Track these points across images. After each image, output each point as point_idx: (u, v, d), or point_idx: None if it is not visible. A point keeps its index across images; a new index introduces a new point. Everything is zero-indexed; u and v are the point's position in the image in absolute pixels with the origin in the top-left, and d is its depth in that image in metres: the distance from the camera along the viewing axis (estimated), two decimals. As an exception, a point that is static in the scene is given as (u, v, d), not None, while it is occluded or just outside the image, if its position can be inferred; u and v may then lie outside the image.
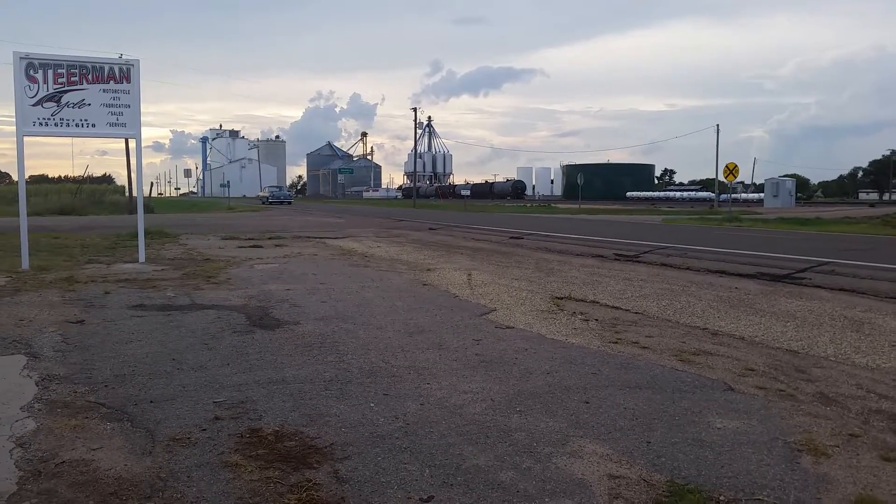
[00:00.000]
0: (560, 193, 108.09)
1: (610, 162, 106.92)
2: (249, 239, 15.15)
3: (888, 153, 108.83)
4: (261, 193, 70.69)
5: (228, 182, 62.46)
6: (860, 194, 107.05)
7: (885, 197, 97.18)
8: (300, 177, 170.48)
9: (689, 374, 4.36)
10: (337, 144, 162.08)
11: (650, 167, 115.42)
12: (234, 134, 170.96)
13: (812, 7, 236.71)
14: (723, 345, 5.24)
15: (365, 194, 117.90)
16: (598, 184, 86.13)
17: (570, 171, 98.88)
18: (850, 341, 5.34)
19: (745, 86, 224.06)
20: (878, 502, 2.57)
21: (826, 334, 5.58)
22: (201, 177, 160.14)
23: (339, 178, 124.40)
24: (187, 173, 77.72)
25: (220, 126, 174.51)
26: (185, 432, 3.25)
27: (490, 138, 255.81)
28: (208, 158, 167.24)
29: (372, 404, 3.68)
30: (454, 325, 5.88)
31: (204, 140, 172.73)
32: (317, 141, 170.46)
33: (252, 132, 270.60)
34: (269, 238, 15.66)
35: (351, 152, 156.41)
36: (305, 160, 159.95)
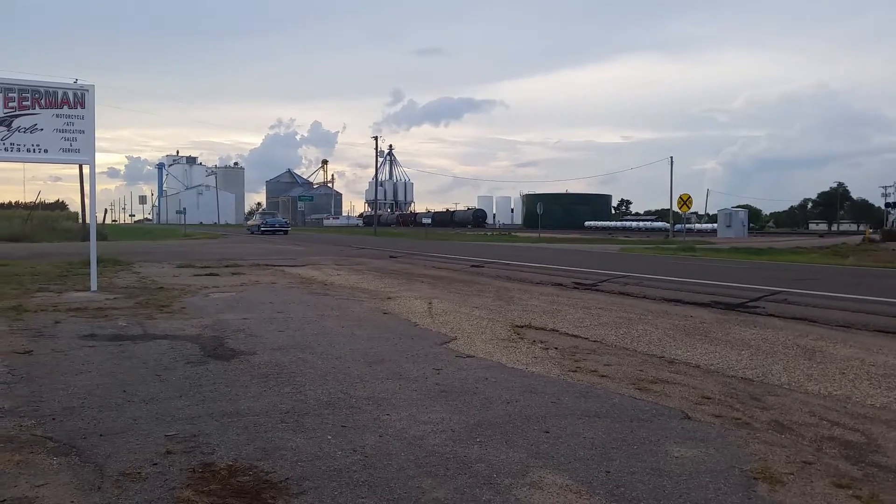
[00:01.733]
0: (520, 222, 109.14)
1: (568, 192, 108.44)
2: (205, 267, 14.88)
3: (836, 185, 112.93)
4: (250, 223, 58.07)
5: (185, 209, 61.22)
6: (810, 225, 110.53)
7: (834, 228, 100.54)
8: (259, 204, 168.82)
9: (647, 403, 4.39)
10: (297, 172, 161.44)
11: (607, 197, 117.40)
12: (191, 160, 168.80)
13: (760, 44, 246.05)
14: (679, 373, 5.31)
15: (325, 222, 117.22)
16: (557, 213, 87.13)
17: (530, 201, 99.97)
18: (803, 369, 5.45)
19: (697, 119, 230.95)
20: (832, 529, 2.61)
21: (779, 362, 5.69)
22: (157, 203, 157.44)
23: (299, 205, 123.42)
24: (143, 200, 76.56)
25: (178, 152, 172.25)
26: (135, 467, 3.14)
27: (451, 167, 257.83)
28: (164, 185, 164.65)
29: (329, 437, 3.61)
30: (414, 354, 5.84)
31: (160, 166, 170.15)
32: (277, 168, 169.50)
33: (210, 159, 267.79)
34: (226, 266, 15.40)
35: (311, 180, 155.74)
36: (265, 187, 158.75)
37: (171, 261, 17.28)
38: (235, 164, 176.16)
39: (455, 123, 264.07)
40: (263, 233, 47.18)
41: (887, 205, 68.28)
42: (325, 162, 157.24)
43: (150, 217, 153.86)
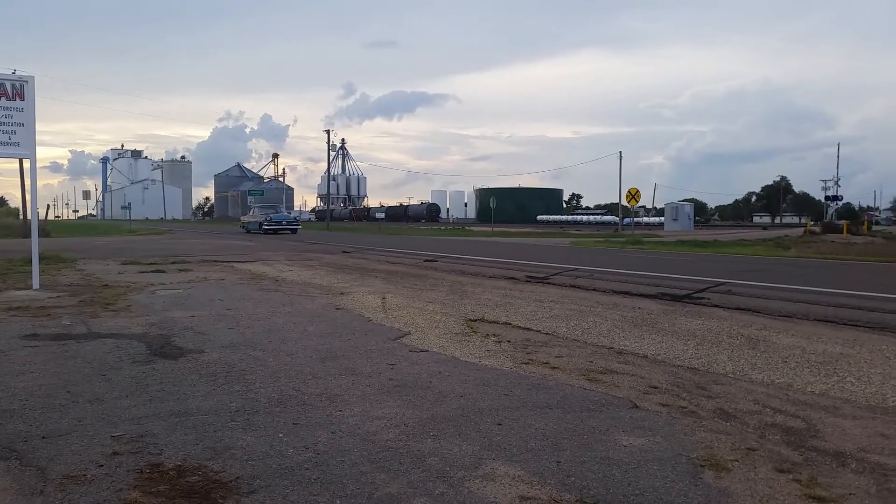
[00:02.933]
0: (474, 216, 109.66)
1: (521, 186, 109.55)
2: (152, 263, 14.53)
3: (778, 179, 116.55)
4: (246, 219, 43.97)
5: (130, 204, 59.56)
6: (754, 218, 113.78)
7: (777, 220, 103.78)
8: (207, 198, 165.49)
9: (597, 393, 4.47)
10: (247, 166, 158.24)
11: (559, 192, 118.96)
12: (136, 154, 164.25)
13: (706, 40, 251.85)
14: (628, 363, 5.42)
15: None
16: (510, 207, 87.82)
17: (483, 195, 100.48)
18: (747, 358, 5.62)
19: (645, 114, 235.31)
20: (773, 512, 2.70)
21: (724, 352, 5.86)
22: (101, 199, 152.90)
23: (248, 200, 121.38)
24: (86, 195, 74.09)
25: (122, 146, 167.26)
26: (80, 469, 3.05)
27: (404, 161, 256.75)
28: (109, 180, 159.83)
29: (281, 434, 3.57)
30: (368, 349, 5.82)
31: (105, 160, 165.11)
32: (225, 162, 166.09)
33: (156, 152, 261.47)
34: (174, 262, 15.07)
35: (262, 174, 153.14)
36: (213, 181, 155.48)
37: (117, 257, 16.83)
38: (182, 157, 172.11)
39: (408, 117, 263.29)
40: (266, 231, 37.19)
41: (827, 198, 70.83)
42: (275, 156, 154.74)
43: (94, 213, 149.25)
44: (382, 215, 66.76)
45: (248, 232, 39.70)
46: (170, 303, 8.55)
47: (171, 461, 3.19)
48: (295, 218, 41.28)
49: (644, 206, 75.54)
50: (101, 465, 3.11)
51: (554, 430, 3.68)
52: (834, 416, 4.05)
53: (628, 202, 39.61)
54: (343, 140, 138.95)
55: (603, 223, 75.47)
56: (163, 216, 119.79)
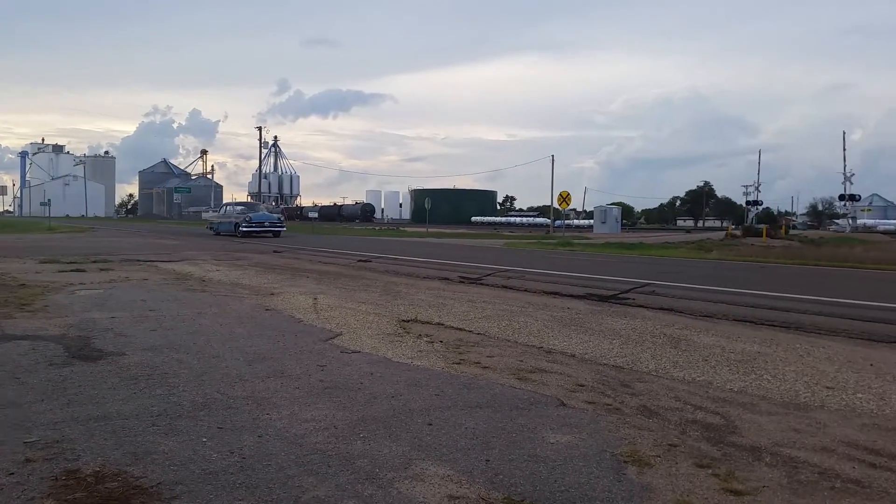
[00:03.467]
0: (408, 217, 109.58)
1: (456, 188, 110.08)
2: (72, 262, 13.92)
3: (702, 184, 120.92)
4: (214, 218, 38.10)
5: (49, 200, 56.68)
6: (678, 221, 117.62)
7: (700, 224, 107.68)
8: (131, 195, 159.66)
9: (526, 392, 4.53)
10: (174, 162, 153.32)
11: (493, 193, 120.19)
12: (57, 149, 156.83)
13: (637, 48, 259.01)
14: (556, 362, 5.52)
15: (204, 215, 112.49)
16: (445, 208, 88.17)
17: (419, 196, 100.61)
18: (669, 357, 5.81)
19: (578, 119, 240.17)
20: (692, 505, 2.80)
21: (648, 351, 6.03)
22: (19, 195, 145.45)
23: (175, 197, 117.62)
24: (3, 191, 70.11)
25: (43, 140, 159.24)
26: (-15, 480, 2.90)
27: (339, 160, 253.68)
28: (27, 175, 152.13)
29: (205, 439, 3.48)
30: (298, 351, 5.73)
31: (23, 155, 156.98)
32: (151, 158, 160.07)
33: (79, 147, 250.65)
34: (94, 262, 14.48)
35: (189, 170, 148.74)
36: (138, 178, 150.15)
37: (34, 256, 16.04)
38: (106, 153, 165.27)
39: (343, 116, 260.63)
40: (245, 234, 30.02)
41: (748, 203, 73.96)
42: (204, 152, 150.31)
43: (10, 209, 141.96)
44: (316, 215, 66.04)
45: (218, 234, 32.26)
46: (90, 303, 8.21)
47: (88, 467, 3.06)
48: (279, 218, 33.07)
49: (575, 209, 77.31)
50: (12, 474, 2.96)
51: (484, 429, 3.71)
52: (751, 413, 4.22)
53: (560, 205, 40.49)
54: (276, 137, 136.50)
55: (535, 225, 76.67)
56: (84, 213, 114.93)
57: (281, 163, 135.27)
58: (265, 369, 5.03)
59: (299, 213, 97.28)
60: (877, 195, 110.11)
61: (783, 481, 3.09)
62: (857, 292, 10.21)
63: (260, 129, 65.23)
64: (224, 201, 43.01)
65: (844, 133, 74.16)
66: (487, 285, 11.48)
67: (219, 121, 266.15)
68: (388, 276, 12.61)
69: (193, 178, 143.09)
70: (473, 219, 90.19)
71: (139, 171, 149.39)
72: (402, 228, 57.25)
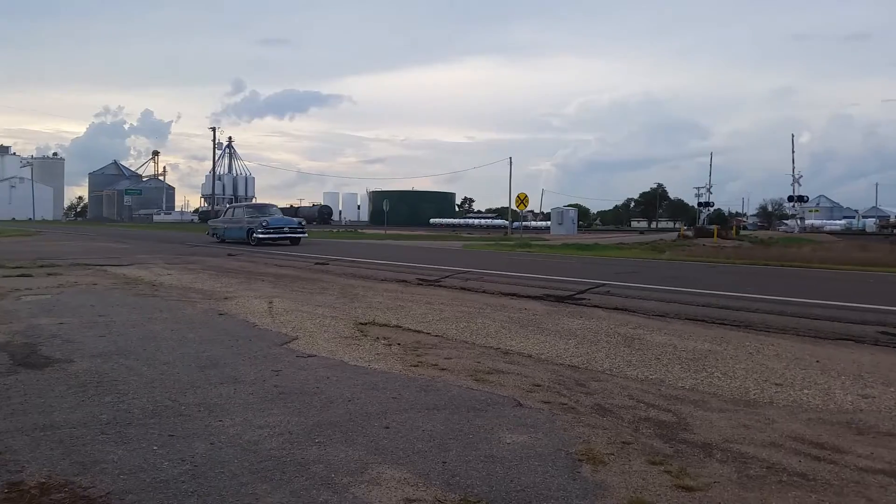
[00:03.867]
0: (367, 219, 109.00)
1: (415, 189, 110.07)
2: (18, 267, 13.47)
3: (655, 186, 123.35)
4: (219, 223, 29.96)
5: (-7, 203, 54.91)
6: (633, 222, 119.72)
7: (654, 225, 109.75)
8: (81, 198, 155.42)
9: (483, 393, 4.55)
10: (125, 163, 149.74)
11: (452, 195, 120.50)
12: (3, 150, 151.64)
13: (593, 53, 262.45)
14: (513, 363, 5.55)
15: (156, 217, 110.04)
16: (403, 210, 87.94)
17: (377, 198, 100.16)
18: (623, 356, 5.89)
19: (535, 122, 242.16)
20: (645, 503, 2.84)
21: (603, 350, 6.11)
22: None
23: (126, 199, 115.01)
24: (-59, 193, 67.42)
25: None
26: (-80, 496, 2.78)
27: (296, 162, 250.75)
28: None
29: (155, 447, 3.40)
30: (252, 356, 5.65)
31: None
32: (102, 159, 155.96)
33: (26, 148, 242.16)
34: (41, 266, 14.03)
35: (140, 172, 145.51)
36: (87, 180, 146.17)
37: (-26, 261, 15.46)
38: (55, 154, 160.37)
39: (300, 117, 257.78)
40: (261, 241, 24.87)
41: (700, 204, 75.66)
42: (156, 153, 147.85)
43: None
44: (271, 217, 64.99)
45: (223, 241, 27.26)
46: (36, 309, 7.95)
47: (33, 478, 2.96)
48: (300, 223, 27.52)
49: (532, 211, 78.05)
50: (-51, 489, 2.84)
51: (441, 432, 3.71)
52: (702, 410, 4.31)
53: (518, 206, 40.81)
54: (230, 138, 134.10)
55: (494, 226, 77.12)
56: (32, 217, 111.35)
57: (236, 164, 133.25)
58: (218, 375, 4.94)
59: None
60: (824, 196, 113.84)
61: (733, 476, 3.16)
62: (804, 291, 10.52)
63: (214, 129, 64.07)
64: (234, 203, 34.89)
65: (793, 136, 76.30)
66: (446, 287, 11.49)
67: (171, 121, 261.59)
68: (346, 279, 12.53)
69: (145, 179, 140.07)
70: (432, 220, 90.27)
71: (89, 173, 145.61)
72: (360, 230, 56.98)
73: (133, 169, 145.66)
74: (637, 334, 6.89)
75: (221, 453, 3.33)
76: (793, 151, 70.20)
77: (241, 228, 26.58)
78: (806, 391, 4.80)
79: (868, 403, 4.49)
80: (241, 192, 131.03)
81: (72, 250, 21.10)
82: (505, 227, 62.04)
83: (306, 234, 27.34)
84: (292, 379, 4.87)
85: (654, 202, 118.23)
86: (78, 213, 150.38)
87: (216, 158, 66.48)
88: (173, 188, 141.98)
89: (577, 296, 9.98)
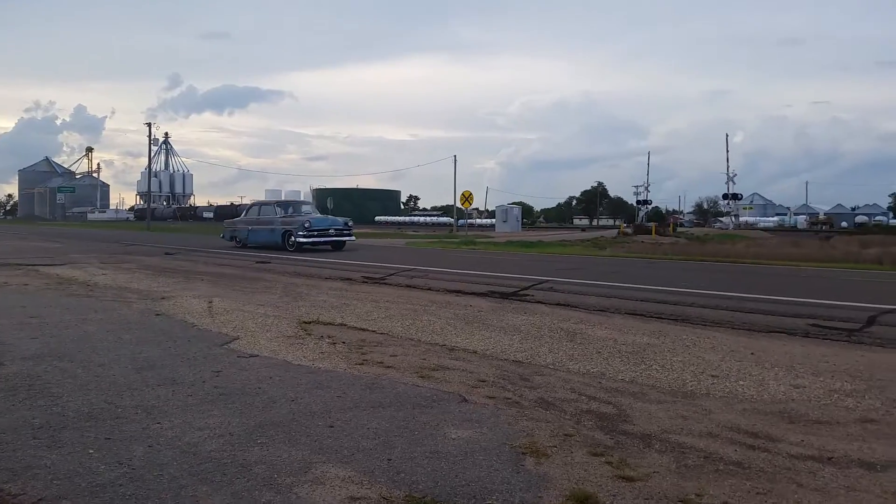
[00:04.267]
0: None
1: (359, 187, 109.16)
2: (-61, 268, 12.83)
3: (596, 185, 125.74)
4: (241, 224, 23.13)
5: (-87, 201, 52.05)
6: (574, 220, 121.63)
7: (595, 222, 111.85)
8: (10, 196, 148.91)
9: (429, 390, 4.56)
10: (57, 160, 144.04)
11: (397, 193, 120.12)
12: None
13: (536, 53, 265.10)
14: (459, 359, 5.58)
15: (90, 216, 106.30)
16: (348, 208, 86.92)
17: (321, 195, 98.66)
18: (566, 350, 5.99)
19: (479, 121, 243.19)
20: (587, 493, 2.89)
21: (546, 345, 6.20)
22: None
23: (58, 197, 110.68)
24: None
25: None
26: None
27: (237, 159, 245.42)
28: None
29: (91, 451, 3.29)
30: (191, 357, 5.52)
31: None
32: (32, 156, 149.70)
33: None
34: (-34, 266, 13.40)
35: (73, 169, 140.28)
36: (17, 177, 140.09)
37: None
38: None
39: (240, 113, 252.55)
40: (302, 246, 19.91)
41: (638, 202, 77.39)
42: (89, 150, 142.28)
43: None
44: (211, 215, 63.75)
45: (244, 246, 21.86)
46: (-41, 312, 7.59)
47: (-46, 490, 2.83)
48: (347, 223, 22.00)
49: (477, 209, 78.53)
50: None
51: (386, 429, 3.70)
52: (642, 402, 4.42)
53: (462, 204, 40.98)
54: (167, 134, 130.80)
55: (439, 224, 77.22)
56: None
57: (173, 160, 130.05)
58: (156, 377, 4.81)
59: (193, 214, 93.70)
60: (757, 194, 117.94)
61: (672, 466, 3.25)
62: (738, 286, 10.88)
63: (150, 125, 61.75)
64: (257, 200, 27.11)
65: (727, 136, 79.05)
66: (391, 285, 11.46)
67: (106, 117, 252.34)
68: (289, 278, 12.36)
69: (78, 176, 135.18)
70: (377, 218, 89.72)
71: (19, 170, 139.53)
72: (303, 229, 56.12)
73: (66, 166, 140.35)
74: (579, 329, 7.01)
75: (160, 456, 3.25)
76: (727, 151, 72.58)
77: (271, 231, 21.09)
78: (741, 382, 4.97)
79: (799, 393, 4.67)
80: (178, 189, 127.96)
81: (1, 250, 20.20)
82: (450, 225, 62.22)
83: (354, 238, 22.16)
84: (233, 379, 4.78)
85: (596, 200, 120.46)
86: (8, 211, 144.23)
87: (152, 155, 64.52)
88: (108, 186, 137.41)
89: (521, 292, 10.09)
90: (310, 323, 7.25)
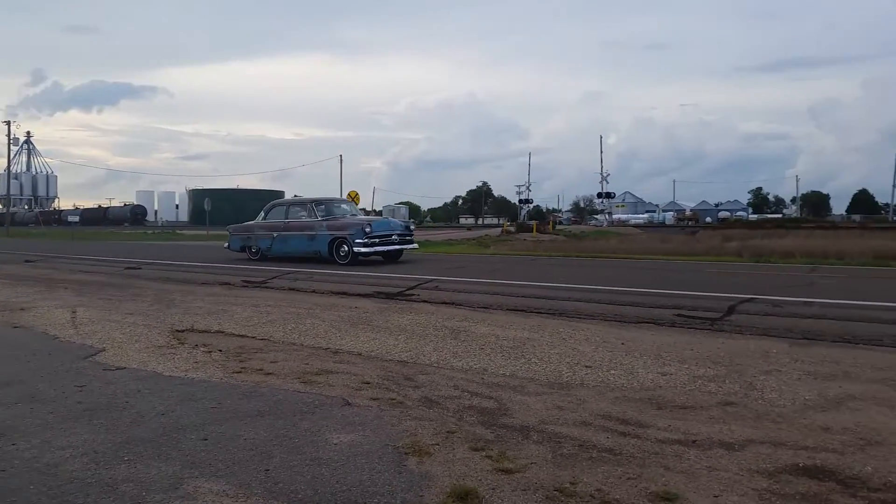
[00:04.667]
0: (186, 219, 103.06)
1: (240, 188, 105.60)
2: None
3: (480, 184, 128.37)
4: (248, 231, 17.80)
5: None
6: (461, 219, 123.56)
7: (480, 221, 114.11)
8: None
9: (311, 395, 4.47)
10: None
11: (281, 194, 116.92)
12: None
13: (420, 53, 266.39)
14: (343, 362, 5.51)
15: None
16: (227, 210, 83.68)
17: (198, 196, 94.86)
18: (450, 348, 6.06)
19: (366, 120, 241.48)
20: (467, 489, 2.93)
21: (430, 343, 6.25)
22: None
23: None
24: None
25: None
26: None
27: (105, 158, 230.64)
28: None
29: (-71, 482, 2.98)
30: (52, 371, 5.13)
31: None
32: None
33: None
34: None
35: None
36: None
37: None
38: None
39: (110, 110, 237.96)
40: (359, 256, 15.26)
41: (520, 201, 79.62)
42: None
43: None
44: (77, 219, 59.65)
45: (263, 258, 17.01)
46: None
47: None
48: (409, 226, 18.06)
49: (364, 209, 77.83)
50: None
51: (264, 439, 3.59)
52: (521, 395, 4.53)
53: (348, 204, 40.54)
54: (28, 133, 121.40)
55: (324, 225, 76.01)
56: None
57: (35, 161, 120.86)
58: (12, 394, 4.44)
59: (58, 218, 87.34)
60: (629, 193, 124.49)
61: (548, 456, 3.35)
62: (611, 280, 11.40)
63: (9, 123, 57.10)
64: (280, 199, 23.74)
65: (601, 137, 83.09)
66: (273, 288, 11.16)
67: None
68: (161, 284, 11.77)
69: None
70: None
71: None
72: (178, 231, 53.81)
73: None
74: (463, 326, 7.11)
75: (16, 479, 3.00)
76: (601, 152, 76.17)
77: (310, 238, 16.12)
78: (613, 371, 5.20)
79: (666, 380, 4.95)
80: (41, 192, 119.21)
81: None
82: (336, 226, 61.39)
83: (416, 245, 17.46)
84: (98, 394, 4.49)
85: (481, 200, 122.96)
86: None
87: (11, 156, 59.66)
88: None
89: (406, 292, 10.11)
90: (183, 331, 6.93)
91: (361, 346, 6.17)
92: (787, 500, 2.84)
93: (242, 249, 17.87)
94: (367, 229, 15.29)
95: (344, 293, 10.19)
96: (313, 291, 10.54)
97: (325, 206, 17.17)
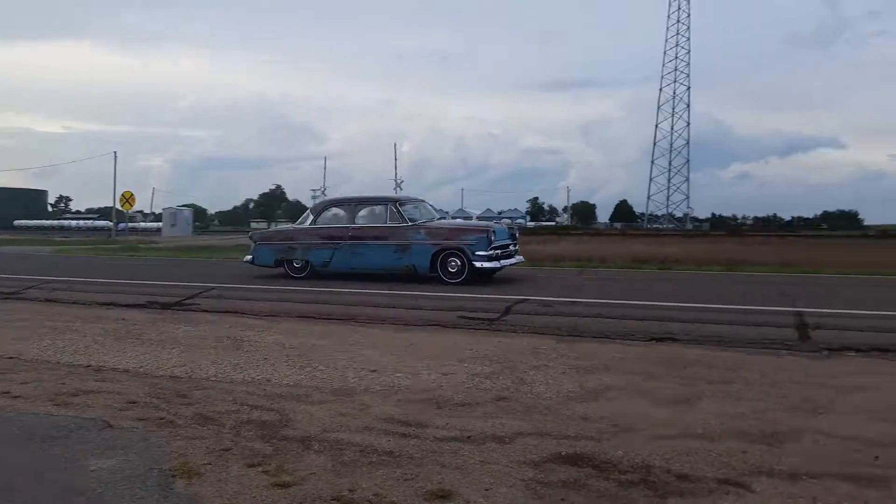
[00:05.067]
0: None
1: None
2: None
3: (274, 187, 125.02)
4: (293, 237, 12.93)
5: None
6: (252, 223, 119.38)
7: (273, 226, 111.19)
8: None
9: (66, 418, 4.02)
10: None
11: (44, 193, 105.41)
12: None
13: (209, 48, 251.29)
14: (106, 380, 5.03)
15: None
16: (-26, 210, 73.79)
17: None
18: (230, 360, 5.78)
19: (145, 115, 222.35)
20: (240, 507, 2.80)
21: (209, 356, 5.91)
22: None
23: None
24: None
25: None
26: None
27: None
28: None
29: None
30: None
31: None
32: None
33: None
34: None
35: None
36: None
37: None
38: None
39: None
40: (481, 270, 11.25)
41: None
42: None
43: None
44: None
45: (306, 272, 12.78)
46: None
47: None
48: (515, 233, 13.27)
49: (142, 211, 72.30)
50: None
51: (5, 469, 3.16)
52: (305, 404, 4.44)
53: (123, 206, 37.40)
54: None
55: (96, 229, 69.57)
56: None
57: None
58: None
59: None
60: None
61: (328, 465, 3.31)
62: (397, 283, 11.61)
63: None
64: (338, 197, 16.43)
65: (395, 145, 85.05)
66: (27, 299, 9.94)
67: None
68: None
69: None
70: (17, 223, 77.59)
71: None
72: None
73: None
74: (247, 336, 6.83)
75: None
76: (395, 158, 78.02)
77: (400, 249, 11.96)
78: (397, 374, 5.29)
79: (447, 380, 5.13)
80: None
81: None
82: (109, 229, 56.32)
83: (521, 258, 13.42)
84: None
85: (273, 203, 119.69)
86: None
87: None
88: None
89: (185, 301, 9.50)
90: None
91: (128, 362, 5.70)
92: (550, 487, 3.06)
93: (278, 264, 13.06)
94: (492, 237, 11.61)
95: (112, 304, 9.33)
96: (74, 302, 9.55)
97: (411, 206, 12.86)
